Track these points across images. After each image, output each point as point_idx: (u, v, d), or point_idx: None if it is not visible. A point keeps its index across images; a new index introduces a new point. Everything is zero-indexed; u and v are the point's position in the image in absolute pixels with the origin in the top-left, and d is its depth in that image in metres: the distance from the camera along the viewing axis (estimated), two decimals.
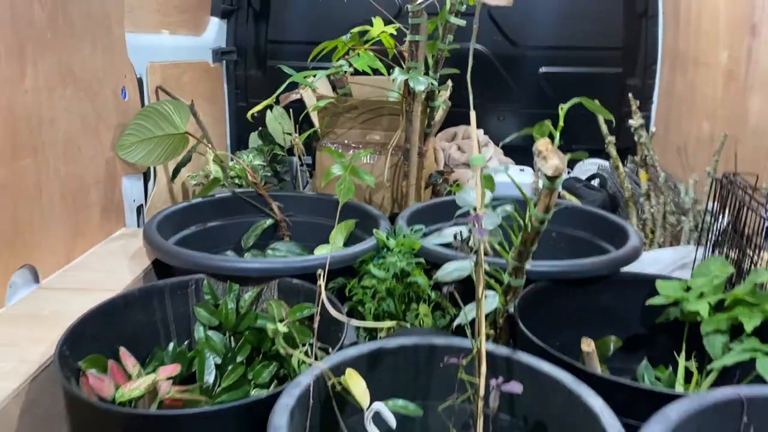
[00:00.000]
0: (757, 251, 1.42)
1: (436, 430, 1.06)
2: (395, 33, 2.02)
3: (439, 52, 1.94)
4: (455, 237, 1.07)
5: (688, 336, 1.31)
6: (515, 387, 0.96)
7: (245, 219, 1.83)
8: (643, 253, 1.69)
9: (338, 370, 0.99)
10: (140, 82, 1.82)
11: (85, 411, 0.98)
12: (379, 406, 0.89)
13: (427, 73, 1.95)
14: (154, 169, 1.91)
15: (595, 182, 2.50)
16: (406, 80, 1.84)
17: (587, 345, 1.09)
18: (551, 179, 0.97)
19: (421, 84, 1.80)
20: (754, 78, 1.78)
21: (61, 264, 1.44)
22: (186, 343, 1.35)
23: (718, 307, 1.27)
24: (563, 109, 1.00)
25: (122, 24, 1.68)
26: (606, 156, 2.36)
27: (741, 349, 1.15)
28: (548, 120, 1.02)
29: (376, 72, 2.03)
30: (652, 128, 2.43)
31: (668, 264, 1.74)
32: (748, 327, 1.15)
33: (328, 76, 2.12)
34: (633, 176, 2.24)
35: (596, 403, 0.91)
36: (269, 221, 1.83)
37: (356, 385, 0.96)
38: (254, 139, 2.58)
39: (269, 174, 2.43)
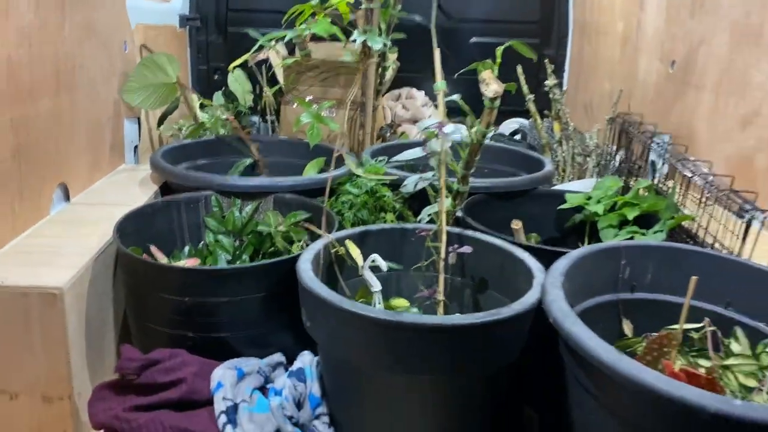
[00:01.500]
0: (641, 171, 1.86)
1: (408, 289, 1.43)
2: (352, 1, 2.34)
3: (391, 18, 2.29)
4: (424, 149, 1.43)
5: (590, 233, 1.73)
6: (466, 249, 1.34)
7: (228, 159, 2.12)
8: (558, 186, 2.12)
9: (339, 242, 1.34)
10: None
11: (143, 270, 1.29)
12: (375, 256, 1.25)
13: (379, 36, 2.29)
14: (142, 115, 2.18)
15: (518, 137, 2.94)
16: (365, 40, 2.18)
17: (516, 224, 1.48)
18: (492, 100, 1.35)
19: (378, 43, 2.14)
20: (641, 43, 2.23)
21: (84, 187, 1.71)
22: (199, 246, 1.65)
23: (611, 210, 1.70)
24: (499, 50, 1.38)
25: None
26: (526, 115, 2.79)
27: (625, 232, 1.58)
28: (489, 59, 1.39)
29: (332, 37, 2.36)
30: (564, 87, 2.87)
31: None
32: (630, 216, 1.58)
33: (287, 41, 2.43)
34: (548, 128, 2.67)
35: (524, 255, 1.30)
36: (249, 160, 2.14)
37: (354, 249, 1.31)
38: (218, 98, 2.85)
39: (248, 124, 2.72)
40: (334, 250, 1.32)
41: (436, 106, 3.06)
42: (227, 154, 2.14)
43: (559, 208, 1.74)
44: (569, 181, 2.36)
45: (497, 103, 1.36)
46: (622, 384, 0.88)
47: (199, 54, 3.03)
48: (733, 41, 1.70)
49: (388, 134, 2.58)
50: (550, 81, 2.57)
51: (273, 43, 2.27)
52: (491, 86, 1.31)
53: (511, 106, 2.81)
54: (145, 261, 1.29)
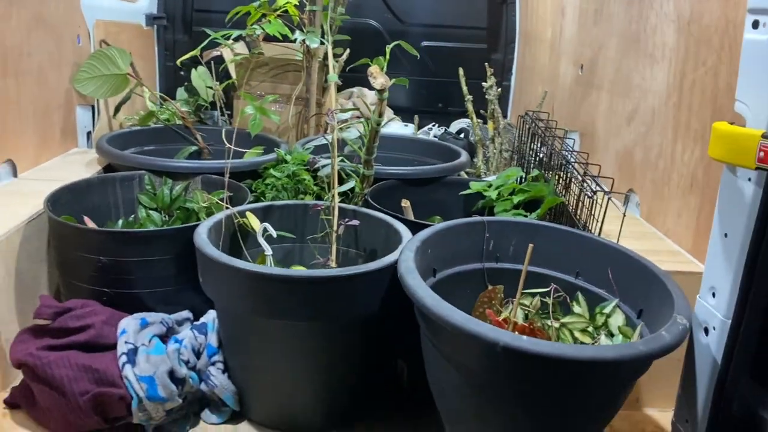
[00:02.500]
0: (540, 162, 2.04)
1: (308, 259, 1.60)
2: (298, 3, 2.53)
3: (331, 20, 2.47)
4: (325, 137, 1.61)
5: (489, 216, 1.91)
6: (355, 222, 1.52)
7: (175, 146, 2.30)
8: (486, 179, 2.30)
9: (242, 214, 1.52)
10: (89, 33, 2.27)
11: (67, 232, 1.47)
12: (266, 225, 1.43)
13: (323, 37, 2.48)
14: (98, 107, 2.36)
15: (462, 135, 3.12)
16: (304, 39, 2.37)
17: (404, 203, 1.66)
18: (380, 92, 1.53)
19: (315, 42, 2.32)
20: (562, 48, 2.41)
21: (32, 165, 1.89)
22: (131, 219, 1.83)
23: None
24: (389, 48, 1.56)
25: None
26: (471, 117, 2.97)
27: (510, 214, 1.76)
28: (382, 57, 1.58)
29: (285, 38, 2.54)
30: (498, 90, 3.06)
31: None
32: (515, 200, 1.76)
33: (244, 39, 2.61)
34: (486, 128, 2.85)
35: (401, 228, 1.47)
36: (194, 148, 2.32)
37: (253, 219, 1.49)
38: (181, 93, 3.04)
39: (195, 120, 2.90)
40: (237, 221, 1.50)
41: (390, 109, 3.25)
42: (174, 142, 2.32)
43: (461, 193, 1.92)
44: (494, 173, 2.54)
45: (386, 94, 1.54)
46: (441, 325, 1.05)
47: (167, 51, 3.22)
48: (621, 47, 1.89)
49: None
50: (487, 82, 2.76)
51: (230, 41, 2.46)
52: (378, 80, 1.49)
53: (461, 107, 3.00)
54: (67, 223, 1.46)
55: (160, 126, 2.31)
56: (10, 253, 1.46)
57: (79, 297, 1.48)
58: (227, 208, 1.52)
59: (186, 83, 3.00)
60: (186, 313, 1.52)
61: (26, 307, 1.50)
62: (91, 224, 1.69)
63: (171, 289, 1.52)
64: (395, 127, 3.10)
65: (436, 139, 2.51)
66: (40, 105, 1.91)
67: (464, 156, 2.14)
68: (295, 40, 2.39)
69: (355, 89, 3.19)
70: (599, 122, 2.04)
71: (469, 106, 2.80)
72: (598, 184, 1.50)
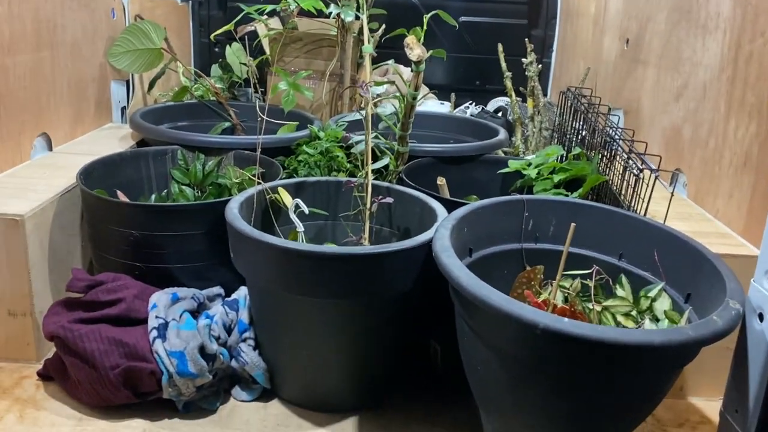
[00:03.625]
0: (582, 140, 1.96)
1: (341, 237, 1.57)
2: None
3: None
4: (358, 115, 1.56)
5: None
6: (389, 199, 1.48)
7: (208, 122, 2.29)
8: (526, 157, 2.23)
9: (274, 190, 1.49)
10: (123, 7, 2.26)
11: (99, 205, 1.46)
12: (298, 201, 1.40)
13: (358, 11, 2.42)
14: (133, 81, 2.35)
15: (500, 114, 3.04)
16: (339, 13, 2.32)
17: (440, 180, 1.61)
18: (416, 64, 1.47)
19: (350, 16, 2.27)
20: (606, 23, 2.32)
21: (67, 139, 1.90)
22: (164, 194, 1.82)
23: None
24: (426, 17, 1.50)
25: None
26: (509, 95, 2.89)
27: (551, 194, 1.69)
28: (419, 27, 1.52)
29: (320, 13, 2.50)
30: (539, 66, 2.97)
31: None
32: (556, 179, 1.70)
33: (278, 14, 2.58)
34: (526, 105, 2.77)
35: (436, 205, 1.43)
36: (227, 124, 2.30)
37: (284, 195, 1.46)
38: (215, 70, 3.02)
39: (229, 97, 2.88)
40: (269, 196, 1.47)
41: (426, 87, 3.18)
42: (208, 118, 2.30)
43: (499, 172, 1.86)
44: (532, 152, 2.46)
45: (422, 66, 1.48)
46: (477, 306, 1.01)
47: (201, 28, 3.20)
48: (671, 18, 1.79)
49: None
50: (527, 59, 2.67)
51: (264, 16, 2.42)
52: (414, 50, 1.44)
53: (500, 85, 2.92)
54: (99, 197, 1.45)
55: (194, 102, 2.30)
56: (43, 226, 1.46)
57: (111, 271, 1.47)
58: (259, 183, 1.49)
59: (220, 60, 2.98)
60: (217, 289, 1.50)
61: (59, 280, 1.50)
62: (123, 198, 1.68)
63: (203, 265, 1.50)
64: (431, 105, 3.03)
65: (473, 117, 2.44)
66: (75, 79, 1.91)
67: (502, 134, 2.07)
68: (330, 14, 2.35)
69: (390, 64, 3.13)
70: (645, 99, 1.95)
71: (508, 83, 2.72)
72: (644, 161, 1.43)
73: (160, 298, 1.36)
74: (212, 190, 1.80)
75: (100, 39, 2.06)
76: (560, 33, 3.10)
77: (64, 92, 1.85)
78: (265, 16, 2.41)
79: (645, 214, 1.40)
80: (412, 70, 1.51)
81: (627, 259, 1.37)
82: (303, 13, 2.56)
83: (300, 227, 1.41)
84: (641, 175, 1.39)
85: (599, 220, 1.39)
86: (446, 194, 1.63)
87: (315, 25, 2.72)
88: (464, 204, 1.38)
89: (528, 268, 1.40)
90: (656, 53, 1.88)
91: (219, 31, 2.38)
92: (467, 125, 2.31)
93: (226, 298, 1.47)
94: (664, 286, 1.27)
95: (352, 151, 1.81)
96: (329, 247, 1.29)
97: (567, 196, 1.66)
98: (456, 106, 3.05)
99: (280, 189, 1.48)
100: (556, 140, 2.32)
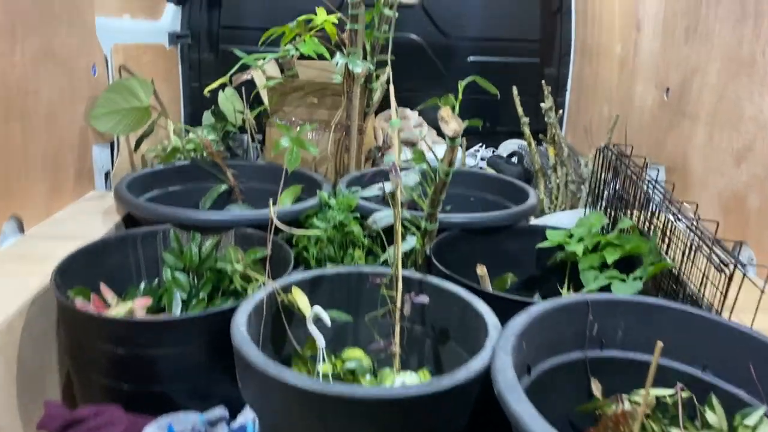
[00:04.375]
0: (627, 207, 1.75)
1: (365, 339, 1.33)
2: (337, 22, 2.27)
3: (375, 39, 2.20)
4: (380, 189, 1.34)
5: (570, 273, 1.63)
6: (423, 299, 1.25)
7: (202, 185, 2.05)
8: (547, 216, 2.02)
9: (286, 289, 1.25)
10: (106, 60, 2.03)
11: (78, 319, 1.22)
12: (317, 309, 1.16)
13: (365, 58, 2.21)
14: (118, 141, 2.12)
15: (515, 159, 2.83)
16: (346, 63, 2.10)
17: (480, 269, 1.38)
18: (452, 139, 1.26)
19: (358, 67, 2.06)
20: (638, 66, 2.12)
21: (42, 217, 1.65)
22: (155, 283, 1.58)
23: (594, 250, 1.59)
24: (461, 84, 1.29)
25: (92, 8, 1.88)
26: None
27: (603, 277, 1.47)
28: (451, 94, 1.30)
29: (321, 57, 2.28)
30: (560, 111, 2.77)
31: (566, 225, 2.07)
32: (609, 260, 1.48)
33: (277, 60, 2.36)
34: (545, 152, 2.57)
35: (482, 306, 1.20)
36: (224, 186, 2.07)
37: (300, 298, 1.22)
38: (207, 117, 2.80)
39: (222, 149, 2.65)
40: (281, 298, 1.24)
41: (436, 130, 2.98)
42: (202, 180, 2.07)
43: (539, 246, 1.64)
44: (561, 210, 2.25)
45: (458, 141, 1.27)
46: None
47: (191, 72, 2.98)
48: (726, 71, 1.59)
49: (378, 157, 2.49)
50: (546, 103, 2.47)
51: (260, 62, 2.21)
52: (450, 125, 1.22)
53: (510, 126, 2.71)
54: (75, 309, 1.21)
55: (185, 163, 2.06)
56: (11, 342, 1.21)
57: (94, 392, 1.23)
58: (268, 278, 1.25)
59: (213, 106, 2.75)
60: (220, 411, 1.25)
61: (30, 404, 1.26)
62: (109, 295, 1.44)
63: (202, 381, 1.26)
64: (439, 150, 2.81)
65: (495, 173, 2.22)
66: (51, 148, 1.67)
67: (533, 196, 1.85)
68: (337, 64, 2.13)
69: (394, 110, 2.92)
70: (694, 157, 1.75)
71: (526, 130, 2.52)
72: (725, 250, 1.21)
73: None
74: (210, 276, 1.56)
75: (80, 100, 1.83)
76: (575, 71, 2.91)
77: (38, 165, 1.62)
78: (261, 61, 2.20)
79: (730, 316, 1.18)
80: (446, 144, 1.28)
81: (712, 370, 1.15)
82: (303, 56, 2.35)
83: (320, 341, 1.18)
84: (729, 271, 1.17)
85: (677, 323, 1.17)
86: (488, 286, 1.41)
87: (315, 70, 2.51)
88: (509, 299, 1.16)
89: (594, 380, 1.18)
90: (707, 108, 1.68)
91: (213, 86, 2.15)
92: (490, 182, 2.09)
93: (232, 425, 1.22)
94: (767, 411, 1.05)
95: (369, 225, 1.59)
96: (364, 389, 1.05)
97: (624, 280, 1.44)
98: (466, 148, 2.84)
99: (294, 289, 1.24)
100: (588, 200, 2.10)
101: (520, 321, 1.10)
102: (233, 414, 1.27)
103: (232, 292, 1.56)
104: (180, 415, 1.20)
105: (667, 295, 1.40)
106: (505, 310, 1.22)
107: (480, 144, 3.02)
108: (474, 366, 1.01)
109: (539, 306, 1.15)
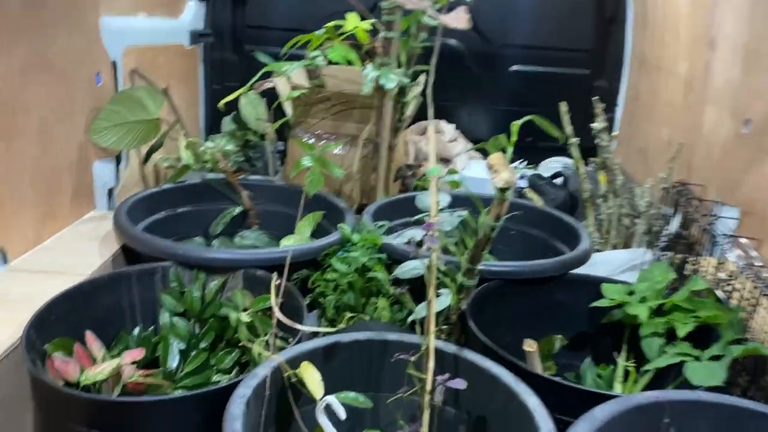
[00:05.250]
0: (698, 258, 1.51)
1: (386, 421, 1.13)
2: (370, 28, 2.05)
3: (412, 49, 1.98)
4: (409, 241, 1.12)
5: (629, 337, 1.40)
6: (460, 384, 1.03)
7: (215, 206, 1.86)
8: (596, 253, 1.78)
9: (295, 362, 1.05)
10: (114, 65, 1.84)
11: (48, 394, 1.03)
12: (330, 399, 0.95)
13: (399, 67, 1.99)
14: (126, 151, 1.94)
15: (559, 180, 2.59)
16: (377, 77, 1.88)
17: (529, 346, 1.16)
18: (502, 191, 1.03)
19: (391, 82, 1.84)
20: (709, 91, 1.86)
21: (30, 246, 1.47)
22: (152, 328, 1.39)
23: (658, 311, 1.36)
24: (516, 125, 1.07)
25: (97, 9, 1.69)
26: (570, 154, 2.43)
27: (673, 352, 1.24)
28: (503, 134, 1.08)
29: (350, 63, 2.07)
30: (614, 131, 2.51)
31: (619, 265, 1.83)
32: (681, 333, 1.24)
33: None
34: (594, 176, 2.32)
35: (532, 401, 0.98)
36: (238, 209, 1.87)
37: (310, 377, 1.01)
38: (228, 123, 2.60)
39: (242, 159, 2.46)
40: (287, 374, 1.03)
41: (471, 144, 2.74)
42: (215, 200, 1.88)
43: (592, 305, 1.41)
44: (612, 247, 2.01)
45: (509, 193, 1.04)
46: None
47: (213, 73, 2.79)
48: None
49: (408, 175, 2.27)
50: (598, 123, 2.22)
51: (285, 68, 2.00)
52: (501, 174, 0.99)
53: (553, 142, 2.46)
54: (46, 383, 1.02)
55: (197, 182, 1.87)
56: None
57: None
58: (275, 337, 1.05)
59: (233, 112, 2.56)
60: None
61: None
62: (95, 346, 1.25)
63: None
64: (477, 168, 2.59)
65: (541, 206, 1.98)
66: (43, 170, 1.49)
67: (585, 239, 1.62)
68: (367, 77, 1.92)
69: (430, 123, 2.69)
70: None
71: (575, 152, 2.27)
72: None
73: None
74: (213, 324, 1.37)
75: (80, 113, 1.64)
76: (630, 85, 2.64)
77: (27, 190, 1.43)
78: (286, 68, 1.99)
79: None
80: (495, 197, 1.06)
81: None
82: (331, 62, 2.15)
83: None
84: None
85: None
86: (538, 366, 1.18)
87: (343, 74, 2.29)
88: (565, 386, 0.94)
89: None
90: None
91: (230, 98, 1.96)
92: (536, 215, 1.85)
93: None
94: None
95: (397, 275, 1.36)
96: None
97: (697, 358, 1.20)
98: None
99: (304, 366, 1.03)
100: (648, 237, 1.86)
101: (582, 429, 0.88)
102: None
103: (236, 343, 1.36)
104: None
105: (753, 383, 1.17)
106: (556, 396, 1.01)
107: (521, 160, 2.77)
108: None
109: (604, 409, 0.93)
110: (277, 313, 1.06)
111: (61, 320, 1.21)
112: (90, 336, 1.26)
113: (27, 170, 1.42)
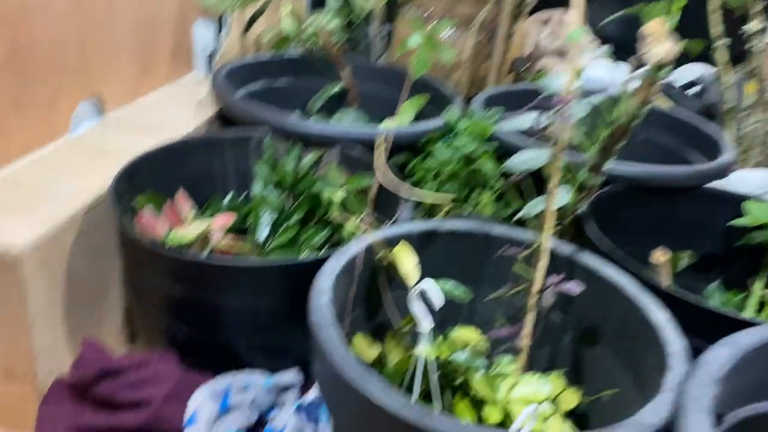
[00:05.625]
0: None
1: (481, 319, 1.03)
2: None
3: None
4: (533, 124, 0.97)
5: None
6: (575, 287, 0.91)
7: (315, 81, 1.75)
8: (734, 172, 1.56)
9: (389, 243, 0.95)
10: None
11: (134, 248, 0.99)
12: (427, 284, 0.85)
13: None
14: (229, 17, 1.85)
15: (693, 90, 2.30)
16: None
17: (662, 256, 1.01)
18: (657, 69, 0.85)
19: None
20: None
21: (127, 99, 1.43)
22: (243, 196, 1.34)
23: None
24: None
25: None
26: (708, 61, 2.13)
27: None
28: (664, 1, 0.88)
29: None
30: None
31: (758, 186, 1.60)
32: None
33: None
34: (740, 86, 2.03)
35: (659, 316, 0.84)
36: (338, 86, 1.76)
37: (406, 259, 0.92)
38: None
39: (344, 39, 2.32)
40: (380, 255, 0.94)
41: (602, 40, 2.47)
42: (315, 76, 1.76)
43: (730, 223, 1.22)
44: (753, 166, 1.77)
45: (664, 72, 0.86)
46: None
47: None
48: None
49: (522, 70, 2.07)
50: (754, 25, 1.91)
51: None
52: (661, 46, 0.81)
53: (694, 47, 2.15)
54: (130, 236, 0.97)
55: (297, 55, 1.76)
56: (58, 255, 1.01)
57: (149, 328, 1.03)
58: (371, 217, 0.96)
59: None
60: (291, 376, 1.01)
61: (86, 323, 1.07)
62: (185, 205, 1.21)
63: (273, 335, 1.01)
64: (601, 69, 2.33)
65: (677, 112, 1.75)
66: (142, 20, 1.41)
67: (728, 151, 1.40)
68: None
69: (555, 13, 2.43)
70: None
71: (721, 54, 1.97)
72: None
73: (203, 404, 0.89)
74: (305, 201, 1.29)
75: None
76: None
77: (124, 38, 1.36)
78: None
79: None
80: (644, 74, 0.88)
81: None
82: None
83: (424, 326, 0.87)
84: None
85: None
86: (666, 278, 1.03)
87: None
88: (701, 308, 0.80)
89: None
90: None
91: None
92: (667, 120, 1.63)
93: (305, 398, 0.98)
94: None
95: (509, 167, 1.22)
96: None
97: None
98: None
99: (400, 246, 0.93)
100: None
101: (723, 358, 0.74)
102: (309, 378, 1.03)
103: (328, 221, 1.29)
104: (242, 376, 0.97)
105: None
106: (686, 316, 0.87)
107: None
108: (646, 420, 0.68)
109: (752, 333, 0.78)
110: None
111: (152, 176, 1.16)
112: (182, 195, 1.22)
113: (126, 18, 1.35)
